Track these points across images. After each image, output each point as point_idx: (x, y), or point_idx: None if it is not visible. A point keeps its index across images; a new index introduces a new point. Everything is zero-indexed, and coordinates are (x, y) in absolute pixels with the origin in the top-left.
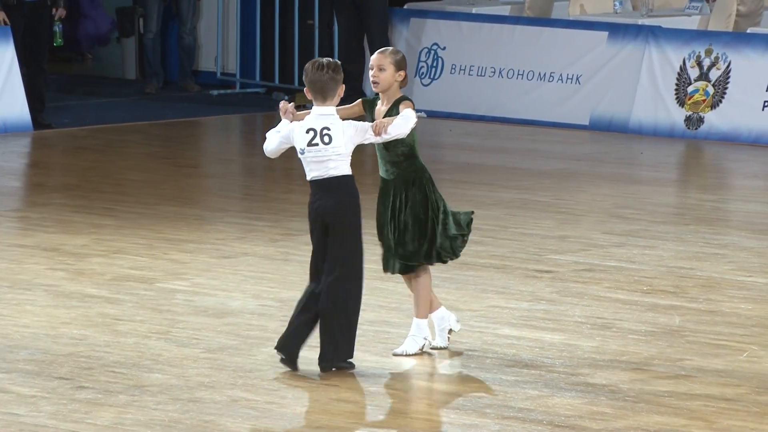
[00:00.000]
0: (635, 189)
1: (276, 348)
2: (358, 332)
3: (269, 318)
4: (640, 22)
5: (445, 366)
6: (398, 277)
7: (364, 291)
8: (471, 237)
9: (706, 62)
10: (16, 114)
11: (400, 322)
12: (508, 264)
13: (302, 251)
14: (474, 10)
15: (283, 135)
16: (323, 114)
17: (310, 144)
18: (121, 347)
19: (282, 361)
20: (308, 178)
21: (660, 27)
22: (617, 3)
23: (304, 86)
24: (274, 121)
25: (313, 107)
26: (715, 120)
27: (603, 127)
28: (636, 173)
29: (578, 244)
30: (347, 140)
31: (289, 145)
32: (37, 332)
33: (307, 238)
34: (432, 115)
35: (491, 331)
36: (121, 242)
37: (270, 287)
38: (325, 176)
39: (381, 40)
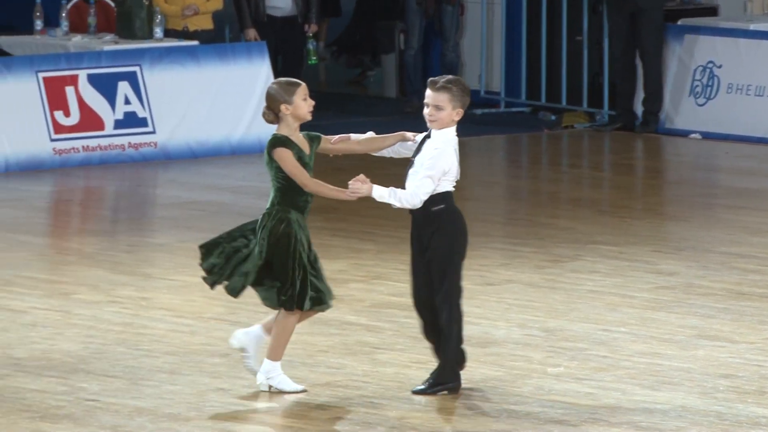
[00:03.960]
0: None
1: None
2: (627, 364)
3: (534, 348)
4: None
5: (720, 406)
6: (670, 307)
7: None
8: (749, 266)
9: None
10: (272, 133)
11: (672, 354)
12: None
13: (569, 279)
14: (752, 27)
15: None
16: None
17: None
18: (380, 377)
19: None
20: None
21: None
22: None
23: (467, 104)
24: (541, 142)
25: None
26: None
27: None
28: None
29: None
30: None
31: None
32: (294, 360)
33: (575, 264)
34: (707, 136)
35: None
36: (381, 267)
37: (536, 316)
38: None
39: (655, 58)
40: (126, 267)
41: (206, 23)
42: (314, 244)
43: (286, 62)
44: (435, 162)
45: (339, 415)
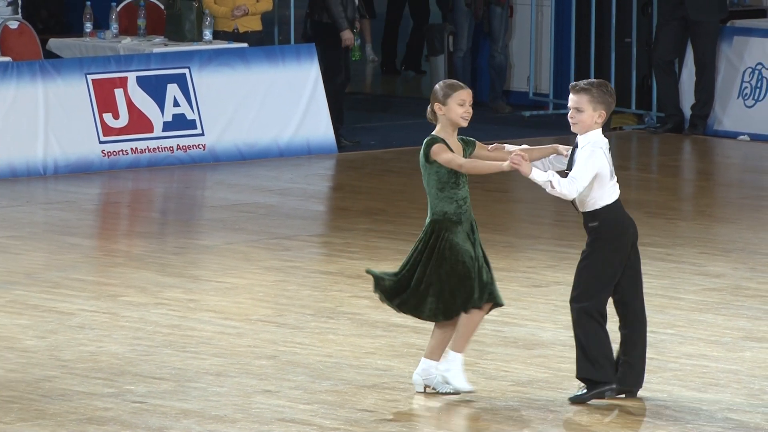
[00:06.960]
0: None
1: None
2: (674, 366)
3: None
4: None
5: (767, 408)
6: (718, 309)
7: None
8: None
9: None
10: (320, 135)
11: (719, 356)
12: None
13: None
14: None
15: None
16: None
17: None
18: None
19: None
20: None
21: None
22: None
23: (612, 107)
24: None
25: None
26: None
27: None
28: None
29: None
30: None
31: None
32: (340, 362)
33: None
34: (755, 138)
35: None
36: None
37: None
38: None
39: (710, 67)
40: (174, 269)
41: (255, 25)
42: (361, 247)
43: (330, 60)
44: (585, 162)
45: (386, 417)
